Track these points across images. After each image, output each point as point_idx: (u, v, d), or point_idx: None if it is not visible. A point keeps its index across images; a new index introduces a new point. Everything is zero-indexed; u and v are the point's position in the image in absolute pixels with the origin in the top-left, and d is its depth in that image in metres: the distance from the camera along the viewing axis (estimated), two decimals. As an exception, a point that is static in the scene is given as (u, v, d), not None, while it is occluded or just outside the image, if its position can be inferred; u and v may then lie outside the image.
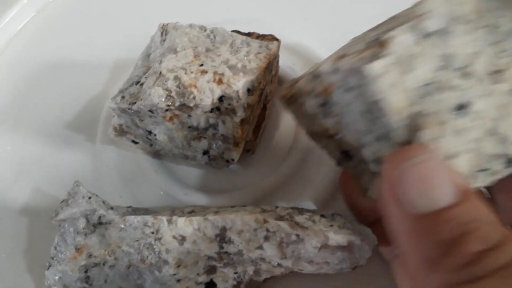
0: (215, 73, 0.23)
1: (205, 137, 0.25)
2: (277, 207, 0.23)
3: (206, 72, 0.23)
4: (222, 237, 0.22)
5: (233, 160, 0.25)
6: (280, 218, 0.22)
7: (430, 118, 0.16)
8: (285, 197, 0.27)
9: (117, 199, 0.27)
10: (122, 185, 0.28)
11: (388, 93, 0.16)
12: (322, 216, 0.22)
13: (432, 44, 0.16)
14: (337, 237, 0.20)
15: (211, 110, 0.23)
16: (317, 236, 0.20)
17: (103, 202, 0.23)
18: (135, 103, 0.23)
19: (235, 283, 0.22)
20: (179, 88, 0.23)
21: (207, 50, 0.24)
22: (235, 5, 0.35)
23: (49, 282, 0.22)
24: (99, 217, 0.22)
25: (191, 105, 0.22)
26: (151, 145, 0.26)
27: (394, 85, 0.16)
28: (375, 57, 0.16)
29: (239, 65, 0.23)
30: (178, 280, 0.22)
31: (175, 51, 0.24)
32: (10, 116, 0.32)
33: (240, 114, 0.23)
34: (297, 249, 0.21)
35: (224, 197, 0.27)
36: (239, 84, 0.22)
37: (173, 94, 0.23)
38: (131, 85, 0.25)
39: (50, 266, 0.23)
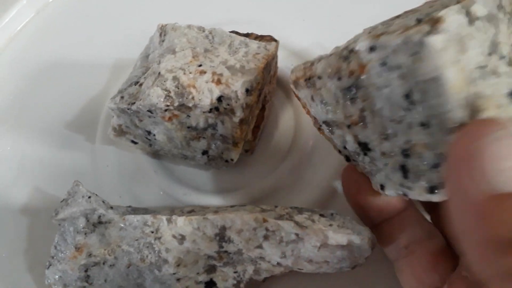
0: (213, 73, 0.23)
1: (204, 137, 0.25)
2: (276, 206, 0.23)
3: (205, 72, 0.23)
4: (221, 236, 0.22)
5: (232, 160, 0.25)
6: (280, 217, 0.22)
7: (488, 100, 0.15)
8: (285, 197, 0.27)
9: (117, 199, 0.28)
10: (121, 185, 0.28)
11: (449, 69, 0.15)
12: (321, 215, 0.22)
13: (480, 29, 0.15)
14: (336, 236, 0.20)
15: (210, 110, 0.23)
16: (316, 235, 0.20)
17: (103, 201, 0.23)
18: (134, 103, 0.23)
19: (235, 282, 0.22)
20: (178, 88, 0.23)
21: (206, 50, 0.24)
22: (234, 6, 0.35)
23: (49, 281, 0.23)
24: (99, 217, 0.23)
25: (190, 105, 0.23)
26: (150, 145, 0.27)
27: (454, 62, 0.15)
28: (432, 31, 0.15)
29: (238, 66, 0.23)
30: (178, 279, 0.22)
31: (173, 52, 0.24)
32: (10, 116, 0.32)
33: (239, 114, 0.23)
34: (296, 248, 0.21)
35: (224, 197, 0.27)
36: (237, 84, 0.23)
37: (172, 94, 0.23)
38: (130, 85, 0.25)
39: (50, 265, 0.23)
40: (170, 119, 0.24)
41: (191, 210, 0.24)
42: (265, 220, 0.21)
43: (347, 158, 0.21)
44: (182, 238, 0.22)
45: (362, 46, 0.17)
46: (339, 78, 0.18)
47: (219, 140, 0.25)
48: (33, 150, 0.30)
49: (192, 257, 0.22)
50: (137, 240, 0.22)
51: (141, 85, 0.24)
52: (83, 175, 0.28)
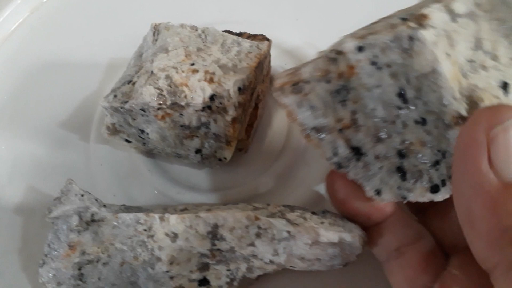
0: (206, 72, 0.23)
1: (197, 136, 0.25)
2: (268, 204, 0.23)
3: (197, 71, 0.23)
4: (214, 234, 0.22)
5: (225, 158, 0.25)
6: (272, 215, 0.22)
7: (484, 91, 0.15)
8: (278, 196, 0.27)
9: (111, 198, 0.28)
10: (115, 184, 0.28)
11: (444, 62, 0.15)
12: (313, 213, 0.22)
13: (463, 25, 0.16)
14: (327, 234, 0.20)
15: (203, 109, 0.23)
16: (308, 233, 0.20)
17: (96, 199, 0.24)
18: (127, 102, 0.23)
19: (228, 280, 0.22)
20: (171, 87, 0.23)
21: (198, 49, 0.25)
22: (227, 6, 0.35)
23: (43, 279, 0.22)
24: (92, 215, 0.23)
25: (183, 103, 0.23)
26: (144, 144, 0.27)
27: (446, 56, 0.15)
28: (420, 27, 0.15)
29: (230, 65, 0.23)
30: (171, 277, 0.22)
31: (166, 51, 0.24)
32: (4, 115, 0.32)
33: (232, 113, 0.23)
34: (288, 246, 0.21)
35: (217, 196, 0.27)
36: (230, 83, 0.23)
37: (165, 93, 0.23)
38: (124, 84, 0.25)
39: (44, 263, 0.23)
40: (163, 117, 0.24)
41: (184, 209, 0.24)
42: (257, 218, 0.21)
43: (338, 166, 0.20)
44: (174, 236, 0.22)
45: (349, 46, 0.17)
46: (328, 81, 0.18)
47: (212, 138, 0.25)
48: (27, 149, 0.30)
49: (185, 255, 0.22)
50: (130, 238, 0.22)
51: (134, 83, 0.24)
52: (77, 174, 0.28)
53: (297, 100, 0.19)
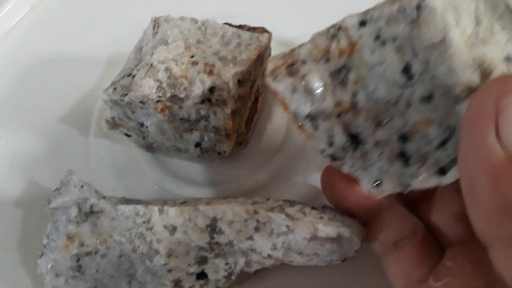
0: (205, 64, 0.23)
1: (197, 129, 0.25)
2: (268, 199, 0.23)
3: (197, 63, 0.23)
4: (212, 227, 0.22)
5: (225, 152, 0.25)
6: (271, 209, 0.22)
7: (494, 62, 0.15)
8: (277, 190, 0.27)
9: (111, 192, 0.27)
10: (115, 178, 0.28)
11: (454, 30, 0.14)
12: (312, 208, 0.22)
13: (462, 3, 0.15)
14: (326, 229, 0.20)
15: (202, 101, 0.23)
16: (307, 228, 0.20)
17: (95, 191, 0.23)
18: (126, 94, 0.23)
19: (226, 274, 0.22)
20: (170, 79, 0.23)
21: (198, 42, 0.25)
22: (227, 0, 0.35)
23: (41, 270, 0.23)
24: (91, 206, 0.23)
25: (182, 96, 0.23)
26: (143, 138, 0.27)
27: (455, 25, 0.14)
28: None
29: (230, 57, 0.23)
30: (169, 270, 0.22)
31: (166, 43, 0.24)
32: (4, 110, 0.32)
33: (231, 105, 0.23)
34: (287, 240, 0.21)
35: (217, 190, 0.27)
36: (229, 75, 0.23)
37: (164, 85, 0.23)
38: (123, 77, 0.25)
39: (42, 254, 0.23)
40: (162, 110, 0.24)
41: (184, 202, 0.24)
42: (256, 212, 0.21)
43: (333, 158, 0.19)
44: (173, 229, 0.22)
45: (351, 21, 0.16)
46: (327, 60, 0.17)
47: (211, 132, 0.25)
48: (26, 144, 0.30)
49: (183, 248, 0.22)
50: (128, 230, 0.22)
51: (133, 76, 0.24)
52: (77, 168, 0.28)
53: (292, 84, 0.18)
